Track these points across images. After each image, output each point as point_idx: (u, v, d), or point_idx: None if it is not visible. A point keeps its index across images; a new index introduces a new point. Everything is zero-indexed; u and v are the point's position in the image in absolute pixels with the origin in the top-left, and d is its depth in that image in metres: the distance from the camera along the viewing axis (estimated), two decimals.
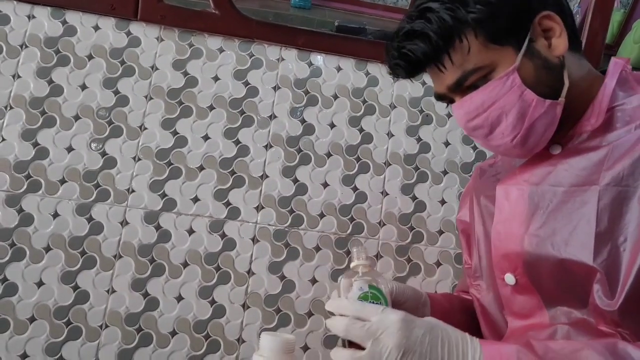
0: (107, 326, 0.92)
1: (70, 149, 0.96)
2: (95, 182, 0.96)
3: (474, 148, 1.12)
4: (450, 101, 0.65)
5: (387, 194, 1.07)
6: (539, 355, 0.48)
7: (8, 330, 0.89)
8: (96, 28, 1.01)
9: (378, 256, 1.04)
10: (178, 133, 1.01)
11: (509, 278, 0.63)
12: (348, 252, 1.03)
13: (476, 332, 0.75)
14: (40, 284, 0.91)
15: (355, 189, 1.05)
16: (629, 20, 1.35)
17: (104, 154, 0.98)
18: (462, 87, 0.61)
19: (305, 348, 0.98)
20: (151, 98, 1.01)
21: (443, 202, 1.08)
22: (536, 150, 0.62)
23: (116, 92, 1.00)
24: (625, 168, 0.53)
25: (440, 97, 0.65)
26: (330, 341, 0.99)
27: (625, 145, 0.55)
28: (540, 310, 0.61)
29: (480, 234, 0.72)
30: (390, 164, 1.08)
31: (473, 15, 0.58)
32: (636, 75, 0.62)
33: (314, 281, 1.00)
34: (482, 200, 0.73)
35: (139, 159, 0.99)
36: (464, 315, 0.77)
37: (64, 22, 1.00)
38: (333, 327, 0.56)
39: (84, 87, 0.99)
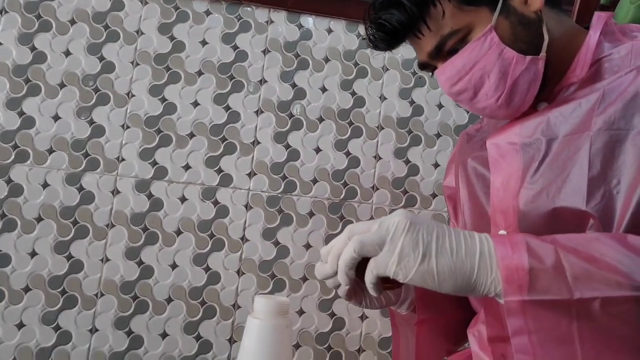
0: (102, 294, 0.92)
1: (56, 118, 0.94)
2: (84, 151, 0.94)
3: (467, 110, 1.09)
4: (434, 69, 0.64)
5: (380, 158, 1.05)
6: (548, 242, 0.46)
7: (3, 300, 0.89)
8: None
9: (371, 219, 1.03)
10: (167, 100, 0.98)
11: (502, 234, 0.62)
12: (342, 217, 1.02)
13: (466, 302, 0.74)
14: (33, 254, 0.90)
15: (348, 153, 1.04)
16: None
17: (91, 122, 0.95)
18: (442, 53, 0.60)
19: (301, 312, 0.99)
20: (137, 64, 0.97)
21: (436, 165, 1.07)
22: (522, 110, 0.61)
23: (101, 58, 0.96)
24: (616, 112, 0.52)
25: (423, 66, 0.65)
26: (325, 305, 1.00)
27: (616, 90, 0.53)
28: None
29: (464, 198, 0.71)
30: (383, 128, 1.06)
31: None
32: (621, 27, 0.60)
33: (307, 246, 1.00)
34: (469, 163, 0.71)
35: (128, 127, 0.96)
36: None
37: None
38: (329, 245, 0.51)
39: (67, 53, 0.95)
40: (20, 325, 0.89)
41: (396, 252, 0.46)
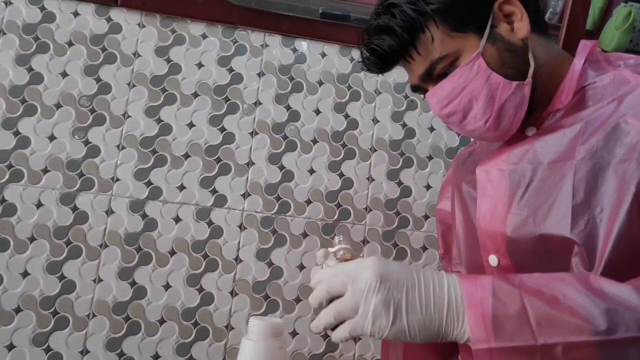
0: (94, 315, 0.90)
1: (52, 138, 0.92)
2: (79, 171, 0.92)
3: (459, 133, 1.09)
4: (425, 92, 0.65)
5: (373, 180, 1.04)
6: (515, 285, 0.46)
7: None
8: (75, 14, 0.96)
9: (365, 241, 1.02)
10: (162, 120, 0.97)
11: (492, 259, 0.62)
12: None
13: None
14: (25, 274, 0.88)
15: (341, 175, 1.03)
16: (610, 7, 1.32)
17: (87, 142, 0.93)
18: (432, 77, 0.61)
19: (294, 333, 0.97)
20: (134, 85, 0.96)
21: (428, 187, 1.07)
22: (511, 132, 0.62)
23: (98, 80, 0.95)
24: (599, 141, 0.53)
25: (415, 89, 0.66)
26: None
27: (598, 120, 0.54)
28: None
29: (460, 221, 0.71)
30: (375, 150, 1.05)
31: (433, 6, 0.59)
32: (606, 56, 0.62)
33: (301, 267, 0.98)
34: (463, 187, 0.71)
35: (123, 147, 0.95)
36: None
37: (43, 8, 0.95)
38: (314, 294, 0.53)
39: (64, 74, 0.94)
40: (11, 347, 0.86)
41: (369, 314, 0.47)
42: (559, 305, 0.43)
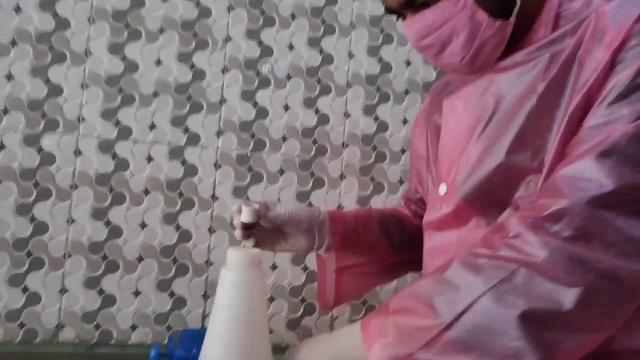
0: (70, 255, 0.85)
1: (9, 77, 0.85)
2: (42, 111, 0.85)
3: (435, 67, 1.03)
4: (399, 16, 0.60)
5: (350, 115, 0.99)
6: (389, 312, 0.49)
7: None
8: None
9: (342, 177, 0.98)
10: (127, 57, 0.89)
11: (442, 188, 0.60)
12: (312, 174, 0.96)
13: (392, 249, 0.72)
14: None
15: (317, 111, 0.97)
16: None
17: (47, 81, 0.86)
18: (414, 5, 0.57)
19: (274, 267, 0.94)
20: (94, 20, 0.88)
21: (405, 121, 1.01)
22: (484, 69, 0.58)
23: (54, 15, 0.86)
24: (558, 76, 0.51)
25: (390, 11, 0.60)
26: (298, 259, 0.95)
27: (562, 55, 0.51)
28: (464, 223, 0.57)
29: (432, 152, 0.67)
30: (351, 85, 0.99)
31: None
32: None
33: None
34: (434, 118, 0.68)
35: (87, 86, 0.87)
36: (381, 230, 0.73)
37: None
38: None
39: (17, 9, 0.85)
40: None
41: None
42: (415, 313, 0.47)
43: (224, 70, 0.93)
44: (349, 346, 0.52)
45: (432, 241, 0.62)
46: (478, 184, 0.55)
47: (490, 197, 0.54)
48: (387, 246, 0.73)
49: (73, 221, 0.86)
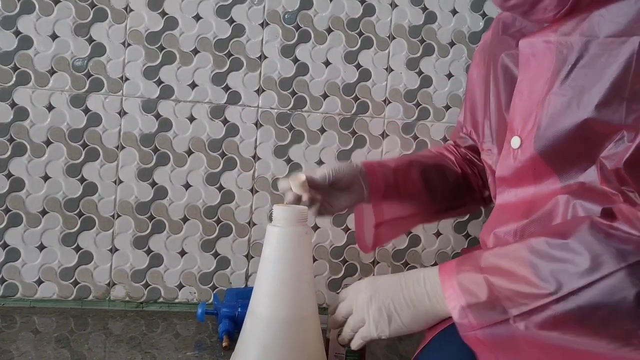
0: (119, 215, 0.90)
1: (54, 37, 0.87)
2: (86, 71, 0.88)
3: (483, 15, 1.01)
4: None
5: (392, 70, 0.98)
6: (478, 270, 0.49)
7: (21, 223, 0.87)
8: None
9: (384, 135, 0.98)
10: (167, 14, 0.90)
11: (515, 141, 0.56)
12: (354, 133, 0.97)
13: (442, 197, 0.74)
14: (46, 177, 0.87)
15: (358, 66, 0.97)
16: None
17: (90, 40, 0.88)
18: None
19: (315, 227, 0.96)
20: None
21: (450, 75, 1.00)
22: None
23: None
24: None
25: None
26: (339, 220, 0.97)
27: None
28: (539, 181, 0.54)
29: (494, 96, 0.64)
30: (394, 38, 0.98)
31: None
32: None
33: (320, 163, 0.96)
34: (502, 59, 0.62)
35: (129, 45, 0.89)
36: (422, 181, 0.73)
37: None
38: (334, 320, 0.63)
39: None
40: (42, 247, 0.88)
41: (371, 322, 0.56)
42: (516, 277, 0.47)
43: (264, 24, 0.93)
44: (423, 294, 0.53)
45: (504, 196, 0.59)
46: (557, 139, 0.50)
47: (569, 154, 0.51)
48: (427, 198, 0.73)
49: (121, 182, 0.90)
